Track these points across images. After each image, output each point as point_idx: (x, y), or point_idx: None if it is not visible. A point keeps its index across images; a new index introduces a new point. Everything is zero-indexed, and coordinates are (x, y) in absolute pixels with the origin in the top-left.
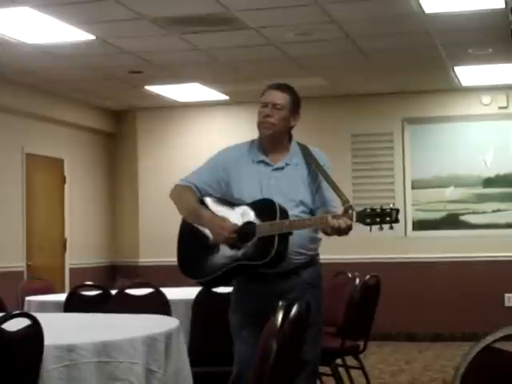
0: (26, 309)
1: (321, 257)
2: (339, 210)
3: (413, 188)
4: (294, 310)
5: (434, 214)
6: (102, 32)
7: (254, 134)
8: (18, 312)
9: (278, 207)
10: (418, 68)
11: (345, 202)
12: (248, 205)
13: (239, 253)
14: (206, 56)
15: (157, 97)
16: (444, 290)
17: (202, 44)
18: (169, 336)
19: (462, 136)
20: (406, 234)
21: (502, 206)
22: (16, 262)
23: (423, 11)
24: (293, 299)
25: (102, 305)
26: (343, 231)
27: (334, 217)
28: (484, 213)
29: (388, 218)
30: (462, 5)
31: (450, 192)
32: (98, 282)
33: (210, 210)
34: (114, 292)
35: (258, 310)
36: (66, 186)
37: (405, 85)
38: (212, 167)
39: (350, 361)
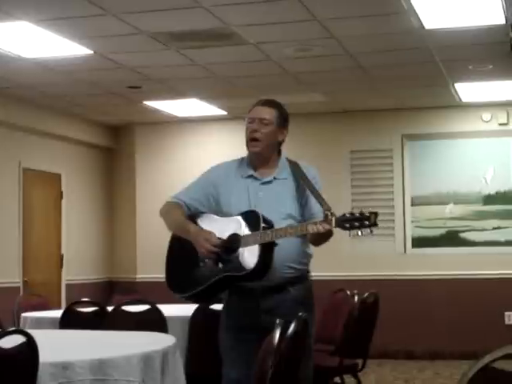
0: (21, 325)
1: (319, 274)
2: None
3: (412, 205)
4: (292, 328)
5: (433, 231)
6: (100, 47)
7: None
8: (13, 329)
9: (261, 218)
10: (417, 84)
11: (326, 209)
12: (233, 217)
13: (224, 265)
14: (204, 71)
15: (155, 112)
16: (443, 307)
17: (200, 59)
18: (165, 353)
19: (462, 152)
20: (405, 251)
21: (502, 223)
22: (12, 277)
23: (423, 27)
24: (282, 316)
25: (98, 321)
26: (323, 237)
27: (314, 223)
28: (484, 230)
29: (367, 222)
30: (462, 21)
31: (449, 209)
32: (94, 298)
33: (198, 224)
34: (110, 309)
35: (247, 327)
36: (63, 201)
37: (404, 101)
38: (202, 184)
39: (349, 379)
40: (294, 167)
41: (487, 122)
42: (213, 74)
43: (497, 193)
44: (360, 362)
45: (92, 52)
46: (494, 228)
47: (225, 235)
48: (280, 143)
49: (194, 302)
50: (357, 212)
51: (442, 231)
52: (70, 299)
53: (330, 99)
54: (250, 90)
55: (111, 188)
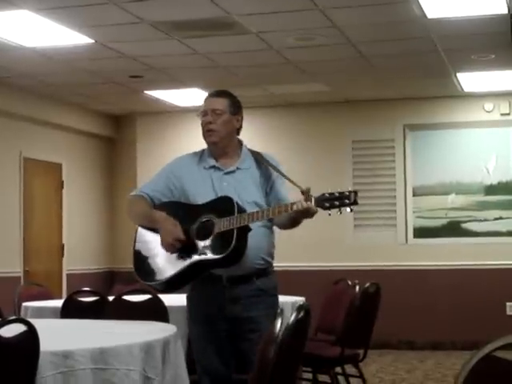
0: (22, 314)
1: (321, 264)
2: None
3: (414, 195)
4: (293, 317)
5: (435, 221)
6: (102, 36)
7: (252, 139)
8: (13, 318)
9: (235, 202)
10: (420, 74)
11: (303, 191)
12: (205, 203)
13: (199, 250)
14: (205, 61)
15: (156, 101)
16: (445, 298)
17: (202, 49)
18: (166, 343)
19: (464, 143)
20: (406, 242)
21: (503, 213)
22: (13, 267)
23: (425, 16)
24: (247, 305)
25: (99, 311)
26: (300, 217)
27: (293, 202)
28: (486, 220)
29: (347, 201)
30: (464, 10)
31: (451, 199)
32: (95, 288)
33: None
34: (111, 298)
35: (213, 317)
36: (64, 190)
37: (407, 91)
38: (164, 175)
39: (350, 369)
40: (257, 156)
41: (489, 111)
42: (214, 64)
43: (499, 183)
44: (361, 352)
45: (93, 41)
46: (496, 218)
47: (197, 221)
48: (237, 131)
49: (164, 290)
50: (336, 191)
51: (444, 221)
52: (71, 289)
53: (332, 89)
54: (251, 80)
55: (112, 178)
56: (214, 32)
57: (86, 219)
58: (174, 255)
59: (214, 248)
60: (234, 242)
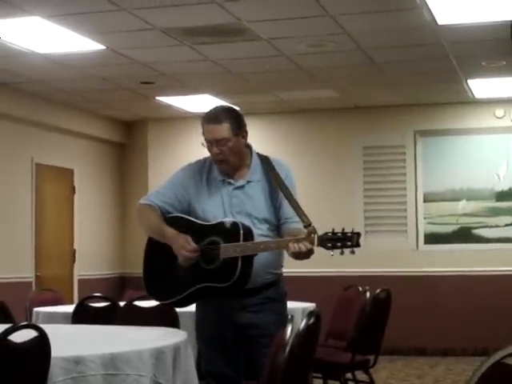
0: (34, 320)
1: (331, 270)
2: (301, 225)
3: (425, 201)
4: (303, 323)
5: (446, 227)
6: (113, 42)
7: (263, 145)
8: (25, 323)
9: (241, 228)
10: (430, 80)
11: (307, 225)
12: (212, 225)
13: (204, 275)
14: (217, 67)
15: (168, 107)
16: (456, 304)
17: (213, 55)
18: (177, 348)
19: (475, 149)
20: (417, 248)
21: None
22: (25, 272)
23: (436, 23)
24: (254, 312)
25: (110, 316)
26: (304, 255)
27: (296, 240)
28: (497, 226)
29: (349, 243)
30: (475, 17)
31: (462, 205)
32: (106, 293)
33: (174, 228)
34: (122, 304)
35: (221, 325)
36: (76, 196)
37: (417, 97)
38: (172, 185)
39: (360, 375)
40: (266, 165)
41: (500, 118)
42: (225, 70)
43: (510, 189)
44: (372, 358)
45: (104, 47)
46: (507, 224)
47: (203, 242)
48: (245, 144)
49: (173, 307)
50: (339, 232)
51: (455, 228)
52: (83, 294)
53: (343, 95)
54: (262, 86)
55: (124, 183)
56: (225, 38)
57: (97, 224)
58: (181, 278)
59: (219, 274)
60: (238, 270)
